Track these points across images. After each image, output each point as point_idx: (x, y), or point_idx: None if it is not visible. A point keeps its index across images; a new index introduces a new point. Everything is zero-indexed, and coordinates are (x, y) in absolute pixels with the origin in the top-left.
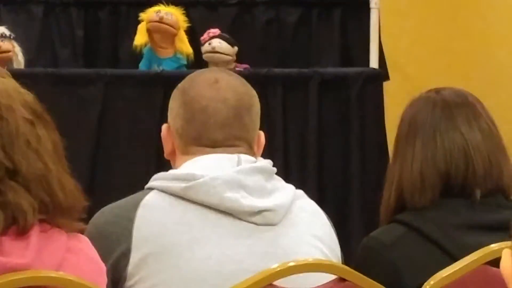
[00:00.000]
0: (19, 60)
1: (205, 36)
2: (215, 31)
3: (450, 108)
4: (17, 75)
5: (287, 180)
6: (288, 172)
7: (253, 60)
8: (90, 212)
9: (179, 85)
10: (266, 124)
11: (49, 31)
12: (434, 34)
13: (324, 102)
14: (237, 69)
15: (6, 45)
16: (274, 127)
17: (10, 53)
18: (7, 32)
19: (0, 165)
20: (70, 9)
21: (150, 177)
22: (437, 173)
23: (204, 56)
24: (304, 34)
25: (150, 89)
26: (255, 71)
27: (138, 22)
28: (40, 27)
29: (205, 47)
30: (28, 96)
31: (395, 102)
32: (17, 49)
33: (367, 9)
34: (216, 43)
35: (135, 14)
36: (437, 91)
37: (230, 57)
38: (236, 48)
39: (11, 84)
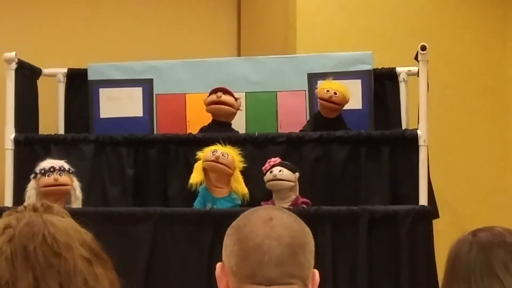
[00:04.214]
0: (77, 194)
1: (266, 165)
2: (276, 159)
3: (485, 251)
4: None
5: None
6: None
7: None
8: None
9: (234, 223)
10: (315, 262)
11: (99, 169)
12: (483, 172)
13: (374, 240)
14: (290, 206)
15: (64, 178)
16: (323, 265)
17: (68, 187)
18: (66, 166)
19: None
20: (120, 148)
21: None
22: None
23: (267, 185)
24: (352, 171)
25: (199, 228)
26: (304, 209)
27: (187, 160)
28: (90, 166)
29: (267, 176)
30: (86, 235)
31: (445, 240)
32: (76, 183)
33: (416, 147)
34: (277, 171)
35: (184, 153)
36: (475, 233)
37: (292, 183)
38: (297, 174)
39: (70, 223)
